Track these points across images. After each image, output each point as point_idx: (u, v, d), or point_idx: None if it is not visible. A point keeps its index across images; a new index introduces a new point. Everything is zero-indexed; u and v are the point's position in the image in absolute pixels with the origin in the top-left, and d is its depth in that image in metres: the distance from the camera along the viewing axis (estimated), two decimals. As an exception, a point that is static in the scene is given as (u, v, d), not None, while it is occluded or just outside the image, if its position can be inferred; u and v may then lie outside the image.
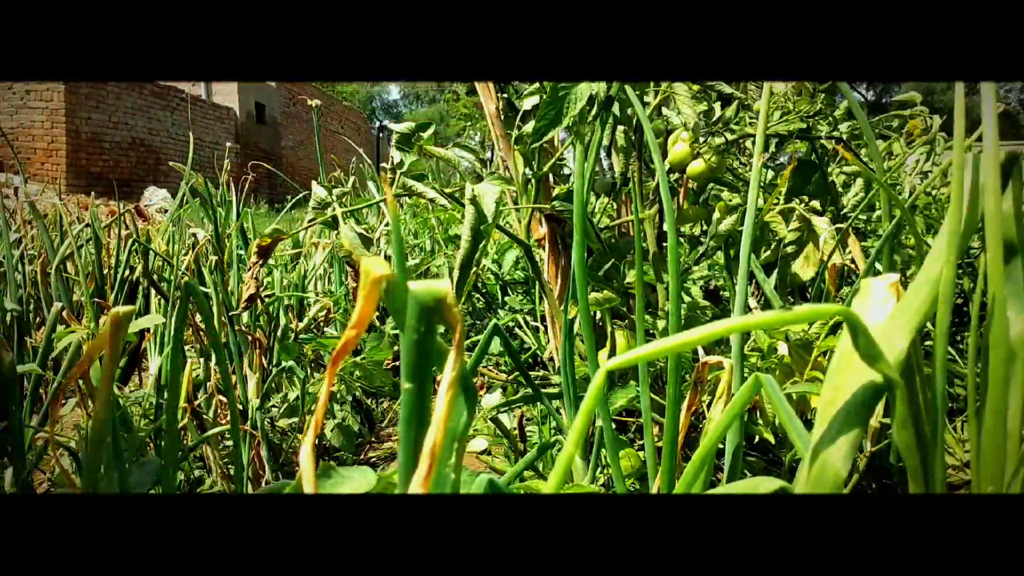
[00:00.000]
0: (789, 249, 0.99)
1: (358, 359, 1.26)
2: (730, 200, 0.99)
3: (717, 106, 1.06)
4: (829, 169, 1.17)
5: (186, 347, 1.40)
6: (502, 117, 1.00)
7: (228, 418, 0.90)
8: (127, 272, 1.64)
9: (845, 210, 1.19)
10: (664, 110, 1.02)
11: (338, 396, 1.28)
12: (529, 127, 0.86)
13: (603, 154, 1.10)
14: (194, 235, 1.47)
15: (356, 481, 0.31)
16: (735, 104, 1.05)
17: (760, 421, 0.82)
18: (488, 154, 1.13)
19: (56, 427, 0.48)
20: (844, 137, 1.11)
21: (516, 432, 1.03)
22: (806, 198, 1.03)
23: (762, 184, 1.16)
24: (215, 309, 1.14)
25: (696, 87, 0.94)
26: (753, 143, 1.15)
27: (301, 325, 1.31)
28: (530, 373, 0.94)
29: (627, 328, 0.97)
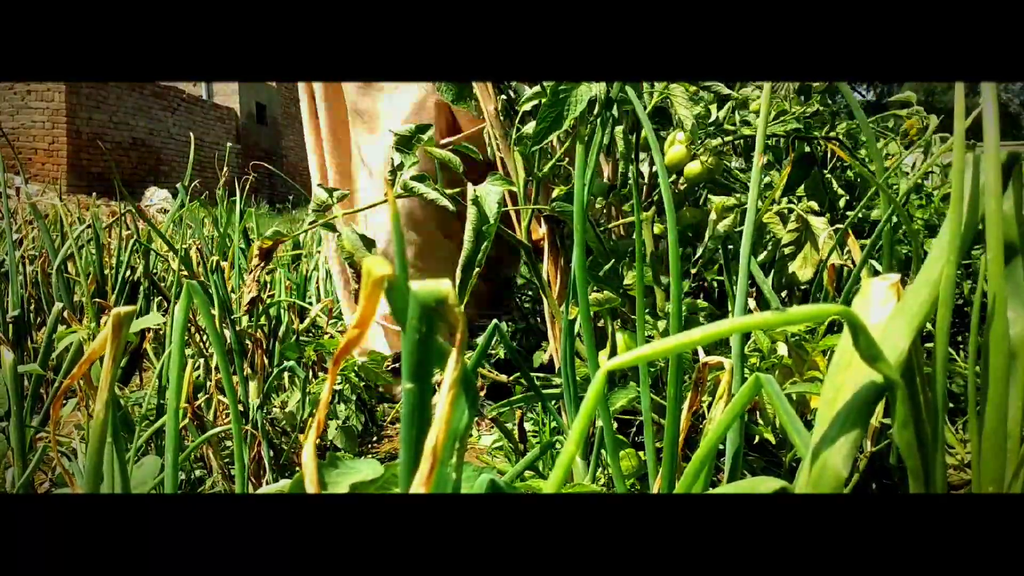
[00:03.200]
0: (787, 250, 0.99)
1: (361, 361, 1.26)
2: (726, 202, 0.99)
3: (713, 107, 1.06)
4: (826, 169, 1.17)
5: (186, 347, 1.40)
6: (501, 118, 1.00)
7: (229, 418, 0.90)
8: (128, 272, 1.64)
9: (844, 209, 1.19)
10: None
11: (340, 396, 1.29)
12: (529, 128, 0.86)
13: (602, 156, 1.10)
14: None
15: (363, 471, 0.31)
16: (729, 105, 1.05)
17: (760, 421, 0.82)
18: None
19: (57, 427, 0.48)
20: (841, 137, 1.11)
21: (517, 432, 1.03)
22: (802, 195, 1.03)
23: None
24: (216, 309, 1.14)
25: (693, 88, 0.94)
26: (747, 144, 1.15)
27: (303, 326, 1.31)
28: (530, 373, 0.94)
29: (627, 329, 0.97)
